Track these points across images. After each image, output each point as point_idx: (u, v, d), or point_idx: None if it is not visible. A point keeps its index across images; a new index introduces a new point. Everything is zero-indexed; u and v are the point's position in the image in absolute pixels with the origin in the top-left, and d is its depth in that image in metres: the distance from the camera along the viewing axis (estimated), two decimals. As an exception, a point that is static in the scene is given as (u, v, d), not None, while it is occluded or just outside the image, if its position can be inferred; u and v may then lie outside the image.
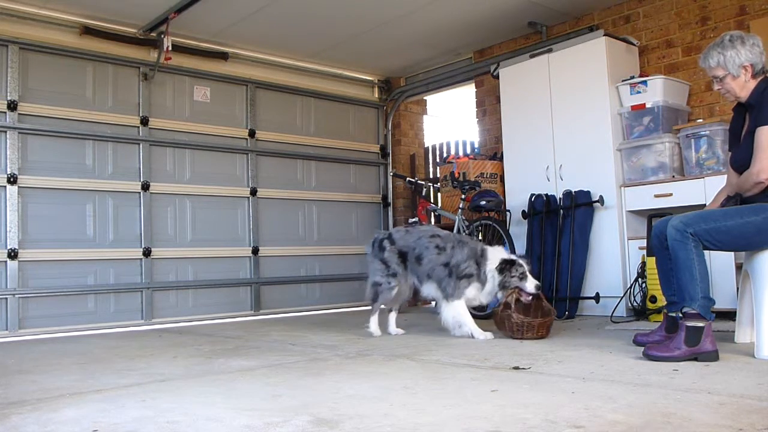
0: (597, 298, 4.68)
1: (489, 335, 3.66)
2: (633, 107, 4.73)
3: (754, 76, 2.93)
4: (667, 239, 2.86)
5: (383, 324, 4.07)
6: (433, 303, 5.56)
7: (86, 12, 5.19)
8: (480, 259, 3.76)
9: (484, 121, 6.40)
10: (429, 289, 3.90)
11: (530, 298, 3.69)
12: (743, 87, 2.95)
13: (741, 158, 2.98)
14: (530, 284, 3.67)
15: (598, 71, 4.85)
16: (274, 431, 1.81)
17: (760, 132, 2.84)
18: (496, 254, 3.78)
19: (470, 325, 3.73)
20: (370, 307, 4.06)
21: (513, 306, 3.62)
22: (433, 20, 5.54)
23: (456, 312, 3.75)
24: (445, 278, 3.76)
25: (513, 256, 3.79)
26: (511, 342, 3.49)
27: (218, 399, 2.28)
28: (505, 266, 3.70)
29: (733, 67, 2.91)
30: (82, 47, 5.25)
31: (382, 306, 4.05)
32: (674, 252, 2.82)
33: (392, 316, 4.13)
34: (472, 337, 3.67)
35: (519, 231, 5.21)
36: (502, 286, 3.69)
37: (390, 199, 7.14)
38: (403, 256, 3.95)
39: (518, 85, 5.42)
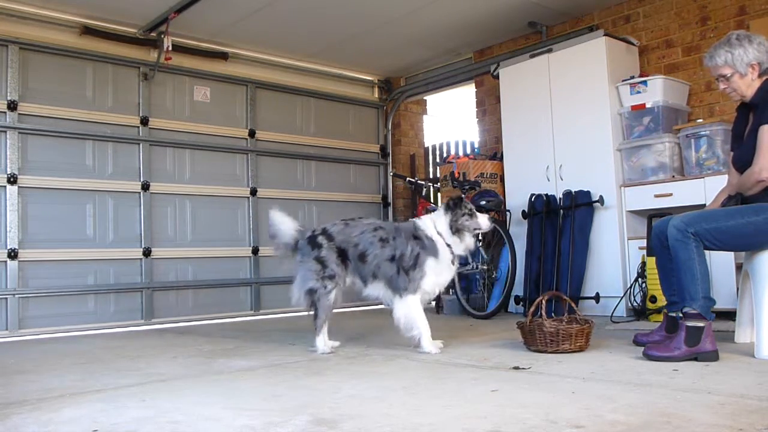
0: (597, 298, 4.68)
1: (439, 346, 3.22)
2: (633, 107, 4.73)
3: (759, 75, 2.93)
4: (668, 239, 2.86)
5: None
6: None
7: (86, 12, 5.19)
8: (417, 233, 3.31)
9: (484, 121, 6.40)
10: (375, 289, 3.35)
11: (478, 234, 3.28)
12: (749, 86, 2.95)
13: (743, 157, 2.98)
14: (482, 220, 3.36)
15: (598, 71, 4.85)
16: (274, 431, 1.81)
17: (762, 130, 2.84)
18: (428, 218, 3.39)
19: (423, 329, 3.21)
20: (314, 319, 3.43)
21: (543, 313, 3.11)
22: (433, 20, 5.54)
23: (408, 309, 3.22)
24: (394, 275, 3.25)
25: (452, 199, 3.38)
26: (511, 342, 3.45)
27: (218, 399, 2.28)
28: (450, 206, 3.33)
29: (741, 65, 2.91)
30: (81, 47, 5.25)
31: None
32: (675, 252, 2.82)
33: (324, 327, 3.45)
34: (420, 346, 3.20)
35: (519, 231, 5.21)
36: (455, 229, 3.29)
37: (390, 199, 7.14)
38: (343, 254, 3.36)
39: (518, 85, 5.42)
